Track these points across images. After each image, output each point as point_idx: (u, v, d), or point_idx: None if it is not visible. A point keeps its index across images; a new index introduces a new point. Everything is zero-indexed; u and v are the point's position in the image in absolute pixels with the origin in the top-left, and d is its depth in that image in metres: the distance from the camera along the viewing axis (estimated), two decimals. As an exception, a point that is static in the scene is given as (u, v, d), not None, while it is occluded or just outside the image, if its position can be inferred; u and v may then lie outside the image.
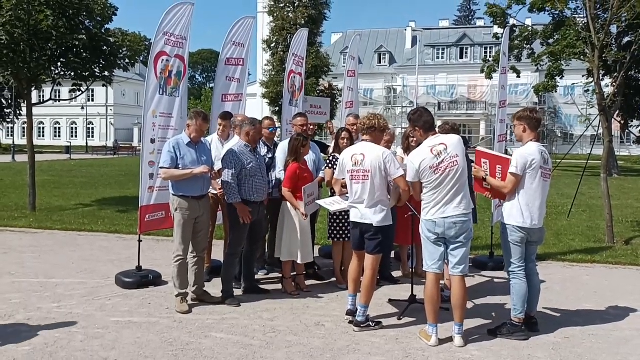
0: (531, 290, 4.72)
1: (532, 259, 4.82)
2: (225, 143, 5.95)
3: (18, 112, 40.71)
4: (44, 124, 62.80)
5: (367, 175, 4.56)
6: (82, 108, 52.24)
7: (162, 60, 6.24)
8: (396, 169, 4.54)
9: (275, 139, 6.66)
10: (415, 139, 6.01)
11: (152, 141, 6.12)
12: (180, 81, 6.54)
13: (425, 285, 4.47)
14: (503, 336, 4.55)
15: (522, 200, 4.53)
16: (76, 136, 61.33)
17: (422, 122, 4.49)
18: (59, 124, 63.20)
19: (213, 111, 6.83)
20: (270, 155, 6.07)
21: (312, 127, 6.46)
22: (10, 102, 40.92)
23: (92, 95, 57.71)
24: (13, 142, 38.11)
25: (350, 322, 4.73)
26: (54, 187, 16.15)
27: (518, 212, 4.54)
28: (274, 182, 5.91)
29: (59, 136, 61.98)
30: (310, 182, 5.53)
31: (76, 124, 62.35)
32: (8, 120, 44.45)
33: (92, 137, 59.98)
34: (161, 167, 5.04)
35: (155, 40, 6.17)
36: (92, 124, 61.52)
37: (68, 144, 43.81)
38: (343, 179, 4.85)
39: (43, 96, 15.08)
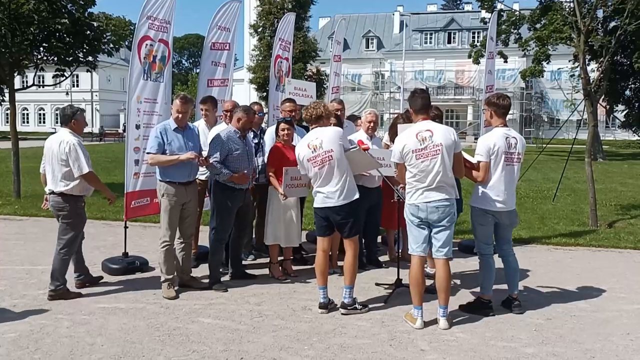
0: (509, 270, 4.87)
1: (507, 239, 4.93)
2: (211, 129, 5.92)
3: (1, 98, 40.01)
4: (27, 110, 61.81)
5: (331, 156, 4.62)
6: (67, 94, 51.53)
7: (146, 44, 6.17)
8: (349, 142, 4.71)
9: (263, 124, 6.65)
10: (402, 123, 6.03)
11: (137, 127, 6.07)
12: (165, 66, 6.47)
13: (410, 268, 4.51)
14: (472, 311, 4.71)
15: (486, 184, 4.66)
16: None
17: (412, 103, 4.54)
18: (43, 110, 62.22)
19: (198, 96, 6.78)
20: (256, 141, 6.05)
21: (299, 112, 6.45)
22: (2, 88, 40.14)
23: (77, 81, 56.88)
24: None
25: (328, 312, 4.71)
26: (38, 174, 15.92)
27: (482, 195, 4.69)
28: (260, 167, 5.90)
29: (44, 122, 61.05)
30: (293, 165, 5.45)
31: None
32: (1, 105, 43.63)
33: (78, 123, 59.21)
34: (148, 153, 5.00)
35: (139, 24, 6.09)
36: (78, 110, 60.68)
37: (53, 130, 43.18)
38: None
39: (26, 82, 14.80)
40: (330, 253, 6.04)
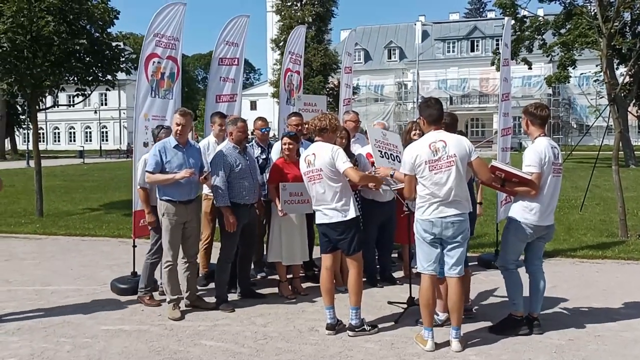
0: (536, 289, 4.58)
1: (539, 255, 4.67)
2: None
3: (24, 118, 41.20)
4: (59, 129, 63.59)
5: (321, 174, 4.46)
6: (95, 112, 52.77)
7: (154, 62, 6.17)
8: (342, 162, 4.38)
9: (272, 140, 6.54)
10: (416, 132, 5.83)
11: (145, 145, 6.04)
12: (174, 83, 6.47)
13: (420, 288, 4.30)
14: (506, 333, 4.38)
15: (534, 197, 4.37)
16: (91, 140, 61.98)
17: (427, 114, 4.27)
18: (74, 129, 63.90)
19: (207, 113, 6.73)
20: (264, 157, 5.94)
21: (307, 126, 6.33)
22: (25, 108, 41.43)
23: (105, 100, 58.32)
24: (27, 148, 38.54)
25: (335, 333, 4.51)
26: (63, 192, 16.23)
27: (527, 209, 4.40)
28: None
29: (74, 141, 62.65)
30: (295, 181, 5.28)
31: (90, 128, 62.99)
32: (23, 126, 45.01)
33: (106, 140, 60.58)
34: (146, 171, 4.93)
35: (146, 42, 6.09)
36: (106, 128, 62.10)
37: (81, 148, 44.23)
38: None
39: (58, 102, 15.15)
40: (341, 269, 5.94)
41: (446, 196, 4.11)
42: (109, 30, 11.89)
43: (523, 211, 4.42)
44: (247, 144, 5.49)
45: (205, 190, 5.77)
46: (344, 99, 8.06)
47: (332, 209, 4.47)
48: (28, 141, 45.47)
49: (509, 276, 4.58)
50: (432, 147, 4.14)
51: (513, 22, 24.58)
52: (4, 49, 10.28)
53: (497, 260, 4.75)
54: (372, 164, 4.68)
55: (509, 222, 4.54)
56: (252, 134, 6.56)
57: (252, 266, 6.14)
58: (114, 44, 11.91)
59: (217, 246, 6.57)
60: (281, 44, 35.16)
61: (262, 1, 60.42)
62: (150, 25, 6.13)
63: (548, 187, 4.40)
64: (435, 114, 4.25)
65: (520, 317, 4.50)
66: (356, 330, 4.47)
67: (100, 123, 58.51)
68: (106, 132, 62.37)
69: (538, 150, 4.38)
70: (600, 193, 13.83)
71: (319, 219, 4.59)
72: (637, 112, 26.62)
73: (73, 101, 13.52)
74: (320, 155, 4.49)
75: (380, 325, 4.67)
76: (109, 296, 5.71)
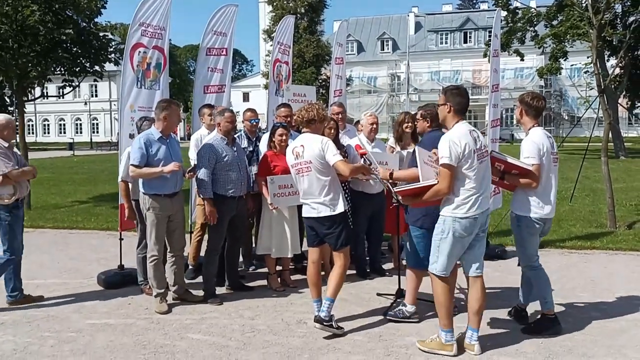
0: (530, 282, 4.54)
1: (537, 249, 4.62)
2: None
3: (13, 110, 40.69)
4: (48, 120, 62.87)
5: (310, 167, 4.32)
6: (86, 104, 52.25)
7: (139, 52, 6.08)
8: (332, 155, 4.25)
9: (261, 131, 6.47)
10: (408, 124, 5.76)
11: (131, 136, 5.94)
12: (161, 73, 6.38)
13: (434, 290, 3.98)
14: (540, 332, 4.27)
15: (539, 190, 4.24)
16: (81, 132, 61.39)
17: (456, 102, 3.92)
18: (64, 121, 63.24)
19: (194, 104, 6.65)
20: (251, 148, 5.88)
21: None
22: (12, 99, 40.94)
23: (96, 91, 57.69)
24: (16, 140, 38.12)
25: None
26: (52, 185, 16.08)
27: (535, 203, 4.25)
28: (254, 175, 5.72)
29: (64, 132, 62.03)
30: (284, 173, 5.20)
31: (81, 120, 62.37)
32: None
33: (97, 132, 60.03)
34: (131, 164, 4.84)
35: (131, 31, 6.00)
36: (97, 120, 61.49)
37: (71, 140, 43.83)
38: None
39: (47, 93, 14.93)
40: (331, 262, 5.92)
41: (486, 187, 3.92)
42: (96, 20, 11.75)
43: (529, 205, 4.26)
44: (235, 135, 5.43)
45: None
46: (335, 90, 8.01)
47: (321, 202, 4.35)
48: (17, 133, 45.04)
49: (537, 274, 4.40)
50: (472, 135, 3.86)
51: (505, 13, 24.54)
52: (-11, 38, 10.12)
53: (519, 262, 4.53)
54: (362, 155, 4.56)
55: (518, 219, 4.33)
56: (242, 124, 6.49)
57: (242, 259, 6.10)
58: (101, 34, 11.75)
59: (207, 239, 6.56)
60: (273, 34, 34.96)
61: (254, -8, 59.97)
62: (135, 15, 6.04)
63: (549, 177, 4.28)
64: (465, 104, 3.96)
65: (553, 316, 4.35)
66: (324, 323, 4.29)
67: (90, 115, 57.93)
68: (97, 124, 61.76)
69: (536, 140, 4.27)
70: (590, 184, 13.88)
71: (306, 212, 4.48)
72: (627, 103, 26.74)
73: (62, 92, 13.35)
74: (309, 147, 4.34)
75: (368, 317, 4.66)
76: (95, 289, 5.65)
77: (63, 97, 15.30)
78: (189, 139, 8.17)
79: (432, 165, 4.02)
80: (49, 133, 62.72)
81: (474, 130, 3.91)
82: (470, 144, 3.78)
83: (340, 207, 4.37)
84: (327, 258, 5.75)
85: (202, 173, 4.98)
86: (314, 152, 4.30)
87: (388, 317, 4.62)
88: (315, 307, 4.49)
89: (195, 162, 5.17)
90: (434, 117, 4.52)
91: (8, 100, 42.28)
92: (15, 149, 5.18)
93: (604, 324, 4.53)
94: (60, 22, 10.70)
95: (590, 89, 12.21)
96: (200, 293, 5.24)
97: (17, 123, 11.99)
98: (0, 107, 43.64)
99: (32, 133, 59.69)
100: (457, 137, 3.79)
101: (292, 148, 4.49)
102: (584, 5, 13.23)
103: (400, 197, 4.19)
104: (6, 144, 4.93)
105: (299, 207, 5.81)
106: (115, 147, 45.69)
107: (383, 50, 56.15)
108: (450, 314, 3.98)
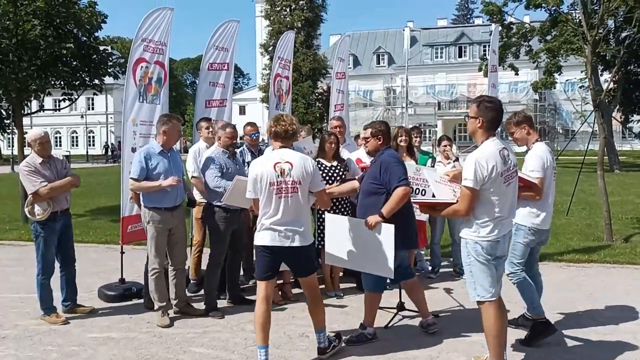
0: (539, 293, 4.61)
1: (537, 258, 4.72)
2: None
3: (9, 123, 40.67)
4: (45, 133, 62.71)
5: (296, 188, 3.86)
6: (82, 117, 52.24)
7: (142, 67, 6.13)
8: (320, 180, 4.07)
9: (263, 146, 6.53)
10: (403, 138, 5.83)
11: (133, 150, 5.99)
12: (161, 88, 6.44)
13: (485, 319, 3.69)
14: (537, 340, 4.32)
15: (539, 201, 4.35)
16: (77, 145, 61.33)
17: (490, 117, 3.64)
18: (60, 133, 63.17)
19: (196, 118, 6.70)
20: (253, 162, 5.91)
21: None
22: (9, 112, 40.94)
23: (92, 104, 57.71)
24: (12, 153, 38.05)
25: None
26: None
27: (533, 214, 4.37)
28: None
29: (60, 145, 61.86)
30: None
31: (77, 133, 62.35)
32: (8, 131, 44.41)
33: (93, 145, 59.97)
34: (131, 178, 4.87)
35: (134, 46, 6.06)
36: (93, 133, 61.49)
37: (67, 153, 43.75)
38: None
39: (44, 106, 15.00)
40: (332, 275, 5.94)
41: (510, 208, 3.72)
42: (96, 34, 11.85)
43: (530, 216, 4.36)
44: (236, 149, 5.48)
45: (196, 196, 5.74)
46: (336, 104, 8.08)
47: (298, 230, 3.90)
48: (13, 146, 44.93)
49: (522, 282, 4.42)
50: (502, 153, 3.62)
51: (500, 28, 24.84)
52: (-11, 52, 10.19)
53: (505, 269, 4.66)
54: (362, 169, 4.60)
55: (516, 228, 4.33)
56: (241, 139, 6.54)
57: (242, 273, 6.11)
58: (101, 48, 11.86)
59: (207, 252, 6.57)
60: (270, 48, 35.15)
61: (251, 6, 60.59)
62: (138, 30, 6.11)
63: (549, 191, 4.40)
64: (498, 120, 3.70)
65: (544, 319, 4.41)
66: (327, 352, 4.14)
67: (87, 128, 57.95)
68: (93, 137, 61.74)
69: (540, 155, 4.38)
70: (586, 198, 13.96)
71: (275, 240, 3.88)
72: (620, 117, 27.02)
73: (59, 105, 13.41)
74: (299, 165, 3.88)
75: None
76: (96, 303, 5.64)
77: (60, 110, 15.37)
78: (184, 152, 8.22)
79: (446, 184, 3.89)
80: (44, 146, 62.46)
81: (504, 148, 3.67)
82: (498, 166, 3.55)
83: (311, 237, 4.08)
84: (328, 273, 5.78)
85: (211, 180, 4.98)
86: (305, 173, 3.90)
87: (349, 344, 4.36)
88: (260, 354, 3.87)
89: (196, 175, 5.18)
90: (385, 135, 4.50)
91: (5, 113, 42.51)
92: (62, 159, 5.15)
93: (603, 337, 4.56)
94: (60, 37, 10.81)
95: (586, 104, 12.37)
96: (202, 306, 5.26)
97: (16, 136, 12.07)
98: (-2, 120, 43.40)
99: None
100: (484, 158, 3.55)
101: (274, 162, 3.91)
102: (577, 20, 13.47)
103: (417, 207, 4.22)
104: (39, 159, 4.93)
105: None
106: (112, 159, 45.77)
107: (379, 64, 56.58)
108: (502, 344, 3.67)
